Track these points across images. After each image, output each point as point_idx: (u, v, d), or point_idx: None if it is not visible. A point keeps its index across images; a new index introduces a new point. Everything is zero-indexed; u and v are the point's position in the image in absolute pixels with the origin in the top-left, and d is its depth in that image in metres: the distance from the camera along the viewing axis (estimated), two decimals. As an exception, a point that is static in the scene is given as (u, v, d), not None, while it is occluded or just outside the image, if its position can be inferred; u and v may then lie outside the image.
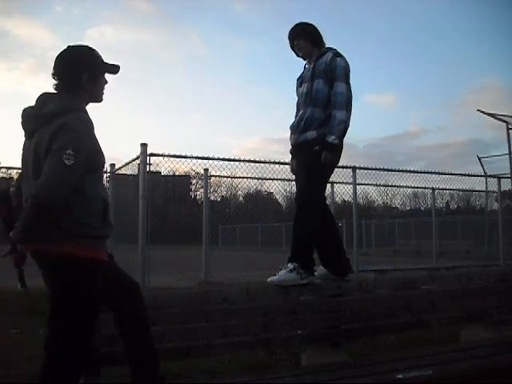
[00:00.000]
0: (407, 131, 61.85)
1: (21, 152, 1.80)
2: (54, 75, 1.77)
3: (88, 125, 1.71)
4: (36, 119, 1.69)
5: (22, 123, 1.76)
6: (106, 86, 1.88)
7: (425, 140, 60.61)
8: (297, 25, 2.86)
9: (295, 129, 2.84)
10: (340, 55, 2.75)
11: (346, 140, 2.75)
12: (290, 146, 2.99)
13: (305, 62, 2.96)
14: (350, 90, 2.71)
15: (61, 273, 1.65)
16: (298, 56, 2.94)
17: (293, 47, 2.90)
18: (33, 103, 1.77)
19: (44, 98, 1.74)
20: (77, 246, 1.64)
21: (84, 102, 1.80)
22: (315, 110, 2.72)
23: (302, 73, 2.96)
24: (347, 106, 2.66)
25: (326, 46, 2.87)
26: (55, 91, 1.78)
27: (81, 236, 1.65)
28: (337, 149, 2.67)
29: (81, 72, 1.76)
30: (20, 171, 2.05)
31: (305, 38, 2.83)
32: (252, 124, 65.42)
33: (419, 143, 56.63)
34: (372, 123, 57.97)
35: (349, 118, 2.67)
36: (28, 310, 4.06)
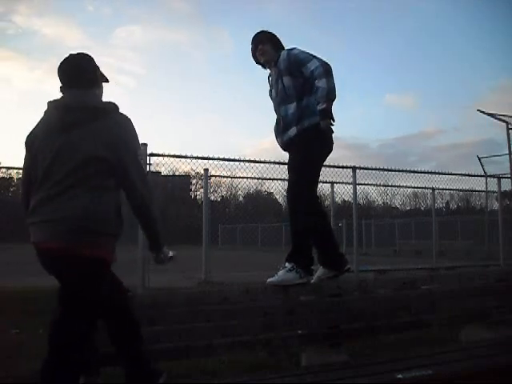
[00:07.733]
0: (423, 131, 61.56)
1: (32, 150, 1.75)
2: (66, 71, 1.81)
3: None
4: (79, 111, 1.70)
5: (59, 116, 1.70)
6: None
7: (441, 140, 60.55)
8: (261, 32, 2.97)
9: (278, 131, 2.92)
10: (291, 49, 2.82)
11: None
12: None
13: (267, 72, 3.01)
14: (323, 60, 2.71)
15: (84, 274, 1.64)
16: (257, 63, 3.00)
17: (255, 53, 2.96)
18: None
19: (73, 92, 1.76)
20: (107, 250, 1.69)
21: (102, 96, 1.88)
22: (290, 106, 2.78)
23: (269, 82, 3.02)
24: (326, 74, 2.65)
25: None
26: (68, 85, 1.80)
27: (112, 235, 1.73)
28: (328, 113, 2.64)
29: (95, 68, 1.88)
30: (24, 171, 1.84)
31: (269, 44, 2.93)
32: (266, 124, 64.93)
33: (434, 143, 56.61)
34: (390, 123, 57.70)
35: (331, 82, 2.65)
36: (28, 310, 4.06)
